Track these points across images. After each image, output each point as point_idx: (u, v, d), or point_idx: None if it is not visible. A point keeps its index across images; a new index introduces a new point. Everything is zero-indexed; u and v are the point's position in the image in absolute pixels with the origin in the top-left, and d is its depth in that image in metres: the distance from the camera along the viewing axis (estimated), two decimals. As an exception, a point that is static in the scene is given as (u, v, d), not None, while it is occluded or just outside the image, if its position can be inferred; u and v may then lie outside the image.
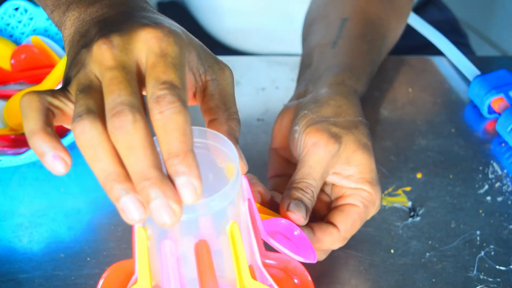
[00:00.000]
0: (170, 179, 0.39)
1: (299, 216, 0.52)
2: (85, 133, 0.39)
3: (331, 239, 0.54)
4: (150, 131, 0.39)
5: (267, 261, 0.49)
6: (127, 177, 0.39)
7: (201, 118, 0.73)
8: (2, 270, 0.59)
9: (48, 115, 0.41)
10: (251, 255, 0.47)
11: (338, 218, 0.54)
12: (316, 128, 0.55)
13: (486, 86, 0.71)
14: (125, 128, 0.38)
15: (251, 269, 0.46)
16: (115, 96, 0.39)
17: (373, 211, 0.56)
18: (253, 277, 0.45)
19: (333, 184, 0.57)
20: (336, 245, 0.55)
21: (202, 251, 0.44)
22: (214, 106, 0.47)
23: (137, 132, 0.38)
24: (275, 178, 0.60)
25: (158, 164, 0.39)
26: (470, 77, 0.74)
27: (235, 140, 0.47)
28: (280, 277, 0.49)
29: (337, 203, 0.56)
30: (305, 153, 0.55)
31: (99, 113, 0.40)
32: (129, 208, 0.39)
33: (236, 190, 0.44)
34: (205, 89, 0.48)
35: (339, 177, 0.56)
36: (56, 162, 0.40)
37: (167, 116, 0.39)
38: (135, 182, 0.38)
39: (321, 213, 0.57)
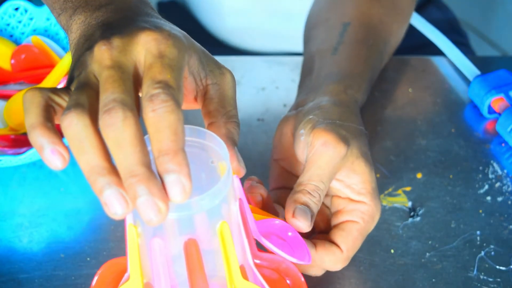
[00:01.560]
0: (160, 178, 0.39)
1: (304, 223, 0.51)
2: (71, 125, 0.39)
3: (333, 259, 0.53)
4: (141, 130, 0.39)
5: (260, 261, 0.49)
6: (112, 171, 0.39)
7: (201, 119, 0.73)
8: (2, 270, 0.59)
9: (49, 111, 0.41)
10: (243, 255, 0.47)
11: (340, 238, 0.54)
12: (324, 128, 0.54)
13: (486, 86, 0.71)
14: (116, 125, 0.39)
15: (243, 269, 0.46)
16: (109, 93, 0.40)
17: (372, 226, 0.55)
18: (245, 277, 0.45)
19: (333, 196, 0.56)
20: (339, 266, 0.54)
21: (191, 249, 0.44)
22: (213, 109, 0.47)
23: (127, 129, 0.39)
24: (276, 190, 0.60)
25: (147, 161, 0.39)
26: (470, 77, 0.74)
27: (233, 143, 0.47)
28: (272, 278, 0.49)
29: (337, 220, 0.55)
30: (313, 153, 0.54)
31: (90, 109, 0.40)
32: (111, 202, 0.39)
33: (227, 189, 0.44)
34: (206, 93, 0.48)
35: (342, 185, 0.55)
36: (54, 157, 0.40)
37: (159, 114, 0.39)
38: (123, 178, 0.39)
39: (321, 226, 0.57)
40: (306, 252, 0.50)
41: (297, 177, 0.57)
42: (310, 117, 0.56)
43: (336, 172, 0.54)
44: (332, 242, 0.54)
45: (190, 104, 0.49)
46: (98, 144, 0.39)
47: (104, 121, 0.39)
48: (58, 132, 0.41)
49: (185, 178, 0.38)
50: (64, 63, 0.69)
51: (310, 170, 0.53)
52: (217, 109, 0.47)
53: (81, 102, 0.40)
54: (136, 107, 0.41)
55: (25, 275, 0.58)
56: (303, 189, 0.53)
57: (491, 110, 0.72)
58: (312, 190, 0.53)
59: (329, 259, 0.53)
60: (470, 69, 0.75)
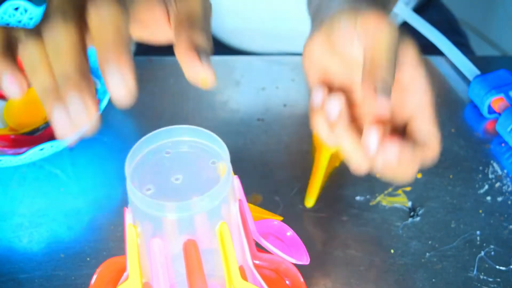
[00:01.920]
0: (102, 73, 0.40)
1: (386, 100, 0.46)
2: (26, 54, 0.41)
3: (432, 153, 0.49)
4: (82, 40, 0.41)
5: (259, 262, 0.49)
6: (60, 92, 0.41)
7: (200, 119, 0.73)
8: (2, 270, 0.59)
9: (11, 43, 0.43)
10: (242, 255, 0.47)
11: (415, 123, 0.50)
12: (366, 11, 0.50)
13: (486, 86, 0.71)
14: (55, 33, 0.40)
15: (242, 269, 0.46)
16: (52, 4, 0.41)
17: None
18: (244, 277, 0.45)
19: None
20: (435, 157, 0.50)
21: (191, 250, 0.44)
22: (179, 24, 0.46)
23: (66, 38, 0.40)
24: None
25: (83, 69, 0.40)
26: (470, 77, 0.74)
27: (196, 49, 0.44)
28: (272, 278, 0.49)
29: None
30: (369, 38, 0.49)
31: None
32: (59, 122, 0.40)
33: (227, 190, 0.44)
34: (175, 13, 0.47)
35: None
36: (12, 85, 0.42)
37: (102, 16, 0.40)
38: (59, 85, 0.40)
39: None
40: (304, 252, 0.50)
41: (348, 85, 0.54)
42: (340, 9, 0.52)
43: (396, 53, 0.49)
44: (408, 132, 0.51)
45: (164, 29, 0.48)
46: (49, 67, 0.41)
47: (45, 31, 0.40)
48: (17, 63, 0.42)
49: (125, 68, 0.39)
50: None
51: (375, 56, 0.48)
52: (182, 23, 0.45)
53: (31, 32, 0.42)
54: (77, 17, 0.42)
55: (25, 275, 0.58)
56: (376, 72, 0.47)
57: (491, 110, 0.72)
58: (385, 73, 0.48)
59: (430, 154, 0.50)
60: (470, 69, 0.75)
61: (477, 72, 0.75)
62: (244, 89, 0.76)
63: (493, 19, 1.59)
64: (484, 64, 0.77)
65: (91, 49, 0.42)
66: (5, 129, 0.68)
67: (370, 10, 0.50)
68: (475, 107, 0.74)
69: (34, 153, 0.61)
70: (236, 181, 0.46)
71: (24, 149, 0.64)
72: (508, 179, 0.66)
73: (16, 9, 0.75)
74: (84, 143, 0.70)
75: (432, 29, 0.80)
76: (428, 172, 0.66)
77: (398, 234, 0.61)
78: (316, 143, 0.67)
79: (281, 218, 0.54)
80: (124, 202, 0.64)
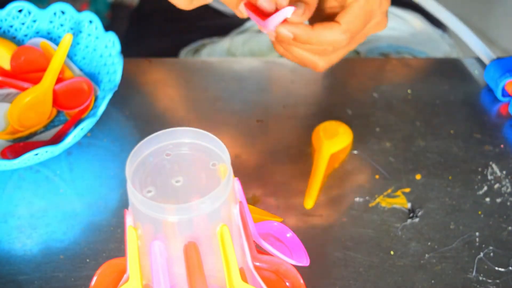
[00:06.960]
0: None
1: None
2: None
3: (332, 32, 0.54)
4: None
5: (259, 264, 0.49)
6: None
7: (199, 120, 0.73)
8: (2, 271, 0.59)
9: None
10: (242, 257, 0.47)
11: (339, 15, 0.55)
12: None
13: (500, 69, 0.73)
14: None
15: (242, 271, 0.47)
16: None
17: (376, 6, 0.57)
18: (244, 279, 0.45)
19: None
20: (341, 37, 0.55)
21: (191, 252, 0.44)
22: None
23: None
24: None
25: None
26: (486, 61, 0.76)
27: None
28: (272, 280, 0.49)
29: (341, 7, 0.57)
30: None
31: None
32: None
33: (228, 192, 0.44)
34: None
35: None
36: None
37: None
38: None
39: None
40: (304, 254, 0.50)
41: None
42: None
43: None
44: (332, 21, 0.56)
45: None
46: None
47: None
48: None
49: None
50: (56, 62, 0.68)
51: None
52: None
53: None
54: None
55: (24, 276, 0.58)
56: None
57: (505, 93, 0.74)
58: None
59: (328, 33, 0.54)
60: (486, 53, 0.77)
61: (493, 56, 0.76)
62: (243, 90, 0.76)
63: (493, 19, 1.59)
64: (483, 63, 0.78)
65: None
66: (4, 131, 0.68)
67: None
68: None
69: (29, 158, 0.61)
70: (236, 183, 0.46)
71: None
72: (507, 180, 0.66)
73: (20, 11, 0.75)
74: (82, 145, 0.70)
75: (449, 14, 0.80)
76: (427, 174, 0.67)
77: (397, 235, 0.61)
78: (315, 144, 0.67)
79: (281, 220, 0.54)
80: (123, 203, 0.64)
